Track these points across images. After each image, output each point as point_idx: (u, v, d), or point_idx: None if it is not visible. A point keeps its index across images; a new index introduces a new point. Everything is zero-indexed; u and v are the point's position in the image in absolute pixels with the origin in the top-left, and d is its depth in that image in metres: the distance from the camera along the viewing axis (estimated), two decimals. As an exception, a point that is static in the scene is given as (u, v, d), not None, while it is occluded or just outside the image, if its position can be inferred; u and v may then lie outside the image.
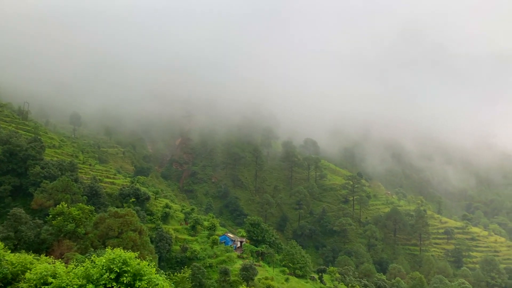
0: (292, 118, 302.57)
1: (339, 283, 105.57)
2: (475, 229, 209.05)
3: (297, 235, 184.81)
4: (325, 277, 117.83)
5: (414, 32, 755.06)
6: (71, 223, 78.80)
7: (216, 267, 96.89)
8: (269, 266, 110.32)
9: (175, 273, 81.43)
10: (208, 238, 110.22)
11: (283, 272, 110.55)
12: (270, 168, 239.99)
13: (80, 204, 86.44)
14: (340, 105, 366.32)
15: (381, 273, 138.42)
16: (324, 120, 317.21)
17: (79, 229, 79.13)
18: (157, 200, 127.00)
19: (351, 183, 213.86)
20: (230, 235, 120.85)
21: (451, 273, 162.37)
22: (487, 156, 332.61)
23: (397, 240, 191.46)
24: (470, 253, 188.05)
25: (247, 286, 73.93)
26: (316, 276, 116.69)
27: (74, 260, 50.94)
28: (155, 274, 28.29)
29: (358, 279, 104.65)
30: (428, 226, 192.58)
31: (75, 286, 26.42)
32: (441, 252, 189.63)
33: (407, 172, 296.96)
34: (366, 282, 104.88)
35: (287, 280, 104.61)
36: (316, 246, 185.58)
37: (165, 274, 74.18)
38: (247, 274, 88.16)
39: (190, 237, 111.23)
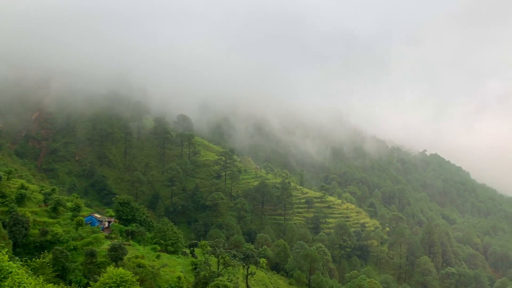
0: (164, 93, 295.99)
1: (209, 255, 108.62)
2: (331, 198, 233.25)
3: (169, 212, 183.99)
4: (197, 251, 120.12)
5: (275, 8, 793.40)
6: None
7: (82, 249, 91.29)
8: (140, 245, 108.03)
9: (34, 259, 74.81)
10: (72, 219, 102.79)
11: (154, 249, 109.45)
12: (141, 145, 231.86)
13: None
14: (210, 80, 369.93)
15: (250, 243, 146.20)
16: (195, 95, 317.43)
17: None
18: (10, 181, 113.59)
19: (224, 159, 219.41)
20: (97, 215, 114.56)
21: (310, 239, 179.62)
22: (341, 132, 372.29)
23: (265, 211, 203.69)
24: (327, 219, 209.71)
25: (116, 266, 71.34)
26: (188, 251, 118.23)
27: None
28: (8, 261, 25.51)
29: (228, 250, 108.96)
30: (291, 197, 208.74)
31: None
32: (302, 220, 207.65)
33: (273, 147, 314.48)
34: (235, 252, 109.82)
35: (158, 257, 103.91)
36: (189, 222, 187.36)
37: (21, 261, 67.74)
38: (116, 254, 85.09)
39: (51, 220, 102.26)
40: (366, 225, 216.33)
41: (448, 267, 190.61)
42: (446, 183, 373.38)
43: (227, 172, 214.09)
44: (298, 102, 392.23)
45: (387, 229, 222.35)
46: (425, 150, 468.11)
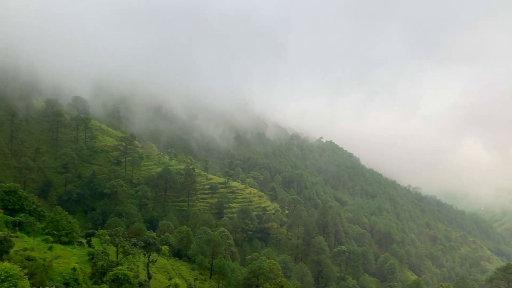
0: (56, 72, 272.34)
1: (108, 245, 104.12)
2: (234, 183, 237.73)
3: (63, 201, 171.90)
4: (94, 240, 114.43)
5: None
6: None
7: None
8: (29, 236, 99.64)
9: None
10: None
11: (46, 240, 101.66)
12: (30, 129, 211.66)
13: None
14: (104, 59, 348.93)
15: (152, 231, 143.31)
16: (89, 75, 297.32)
17: None
18: None
19: (124, 144, 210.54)
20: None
21: (214, 224, 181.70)
22: (244, 118, 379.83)
23: (168, 198, 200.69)
24: (230, 204, 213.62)
25: (1, 260, 65.05)
26: (84, 241, 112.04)
27: None
28: None
29: (128, 239, 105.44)
30: (196, 183, 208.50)
31: None
32: (206, 206, 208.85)
33: (176, 132, 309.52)
34: (136, 240, 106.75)
35: (50, 248, 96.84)
36: (85, 211, 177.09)
37: None
38: (1, 247, 77.45)
39: None
40: (267, 208, 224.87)
41: (340, 246, 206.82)
42: (339, 168, 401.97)
43: (127, 158, 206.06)
44: (200, 84, 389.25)
45: (286, 211, 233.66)
46: (321, 138, 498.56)
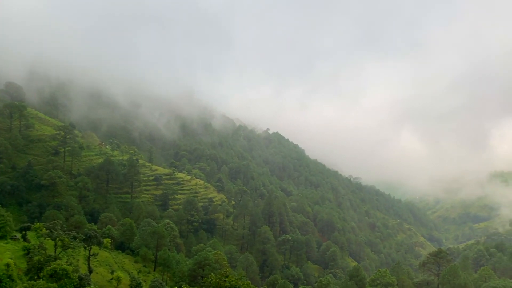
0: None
1: (45, 239, 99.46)
2: (180, 175, 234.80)
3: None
4: (30, 234, 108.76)
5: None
6: None
7: None
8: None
9: None
10: None
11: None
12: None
13: None
14: (39, 41, 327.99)
15: (93, 223, 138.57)
16: (25, 60, 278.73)
17: None
18: None
19: (63, 133, 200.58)
20: None
21: (158, 216, 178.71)
22: (190, 108, 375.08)
23: (110, 189, 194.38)
24: (175, 196, 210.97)
25: None
26: (19, 235, 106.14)
27: None
28: None
29: (67, 232, 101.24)
30: (139, 174, 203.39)
31: None
32: (150, 198, 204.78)
33: (119, 121, 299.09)
34: (76, 234, 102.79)
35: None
36: (20, 203, 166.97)
37: None
38: None
39: None
40: (214, 199, 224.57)
41: (284, 235, 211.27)
42: (285, 159, 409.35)
43: (66, 149, 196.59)
44: (142, 70, 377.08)
45: (233, 202, 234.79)
46: (268, 129, 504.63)
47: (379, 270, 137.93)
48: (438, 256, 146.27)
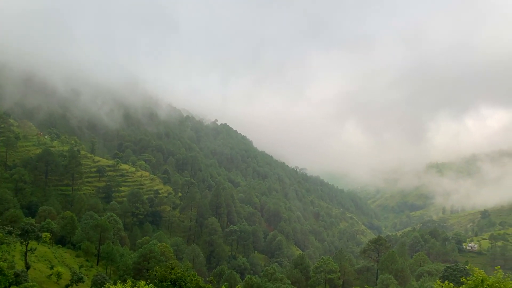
0: None
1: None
2: (124, 166, 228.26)
3: None
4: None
5: None
6: None
7: None
8: None
9: None
10: None
11: None
12: None
13: None
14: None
15: (30, 217, 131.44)
16: None
17: None
18: None
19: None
20: None
21: (101, 208, 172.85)
22: (135, 97, 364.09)
23: (49, 182, 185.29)
24: (119, 188, 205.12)
25: None
26: None
27: None
28: None
29: (2, 226, 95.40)
30: (81, 166, 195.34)
31: None
32: (93, 190, 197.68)
33: (58, 110, 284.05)
34: (11, 228, 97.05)
35: None
36: None
37: None
38: None
39: None
40: (160, 191, 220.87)
41: (232, 225, 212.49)
42: (233, 150, 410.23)
43: (1, 139, 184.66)
44: (81, 55, 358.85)
45: (180, 194, 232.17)
46: (216, 120, 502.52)
47: (322, 258, 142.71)
48: (378, 243, 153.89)
